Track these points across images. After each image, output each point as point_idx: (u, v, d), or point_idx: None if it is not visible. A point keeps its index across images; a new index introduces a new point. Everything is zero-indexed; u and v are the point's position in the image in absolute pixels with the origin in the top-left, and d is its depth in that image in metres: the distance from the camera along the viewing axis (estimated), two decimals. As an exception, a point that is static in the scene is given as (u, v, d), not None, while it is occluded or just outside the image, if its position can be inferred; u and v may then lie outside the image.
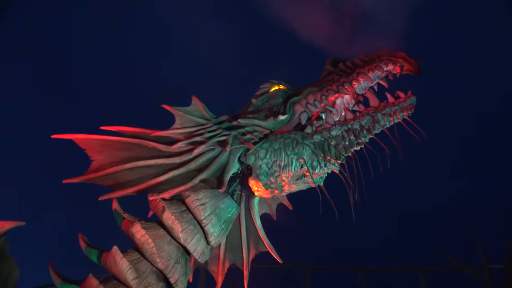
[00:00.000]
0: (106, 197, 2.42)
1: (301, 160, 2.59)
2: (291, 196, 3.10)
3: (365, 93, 2.85)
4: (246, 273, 3.04)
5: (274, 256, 3.01)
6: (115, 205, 2.72)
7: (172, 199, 2.71)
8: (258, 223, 3.00)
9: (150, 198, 2.54)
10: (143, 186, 2.48)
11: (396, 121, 2.72)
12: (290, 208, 3.14)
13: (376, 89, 2.92)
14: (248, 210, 3.03)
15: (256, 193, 2.84)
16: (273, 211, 3.15)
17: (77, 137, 2.64)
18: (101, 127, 2.72)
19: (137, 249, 2.55)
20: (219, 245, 2.98)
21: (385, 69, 2.82)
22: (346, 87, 2.78)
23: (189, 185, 2.50)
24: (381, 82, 2.90)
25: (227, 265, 3.08)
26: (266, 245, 3.00)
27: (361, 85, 2.84)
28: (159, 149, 2.69)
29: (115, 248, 2.42)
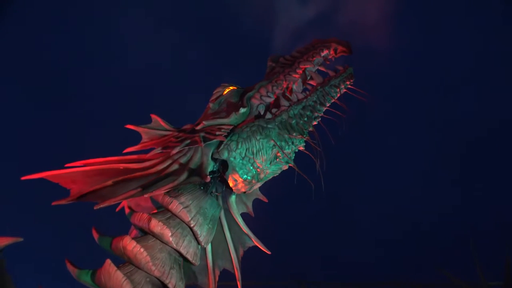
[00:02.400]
0: (101, 206, 2.41)
1: (271, 141, 2.78)
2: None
3: (310, 76, 3.15)
4: (238, 274, 3.07)
5: (262, 248, 3.08)
6: (97, 234, 2.74)
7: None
8: (239, 220, 3.09)
9: (146, 195, 2.57)
10: (132, 192, 2.51)
11: (342, 91, 3.03)
12: (266, 200, 3.26)
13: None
14: (227, 211, 3.12)
15: (234, 189, 2.93)
16: (250, 209, 3.25)
17: (47, 175, 2.66)
18: (66, 165, 2.76)
19: (131, 261, 2.55)
20: (206, 254, 3.02)
21: (322, 54, 3.17)
22: (291, 75, 3.09)
23: (176, 182, 2.58)
24: (320, 68, 3.24)
25: (217, 272, 3.10)
26: (253, 239, 3.07)
27: (305, 71, 3.15)
28: (131, 168, 2.76)
29: (108, 261, 2.41)
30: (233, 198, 3.08)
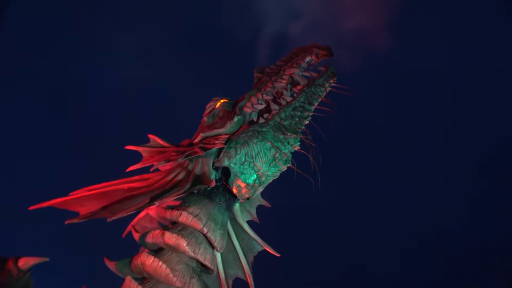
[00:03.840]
0: (114, 217, 2.44)
1: (268, 142, 2.88)
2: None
3: (296, 81, 3.29)
4: (250, 281, 3.10)
5: (271, 251, 3.12)
6: (111, 262, 2.80)
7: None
8: (246, 226, 3.14)
9: (156, 203, 2.61)
10: (141, 203, 2.55)
11: (327, 89, 3.18)
12: (269, 205, 3.32)
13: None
14: (233, 219, 3.17)
15: (238, 195, 2.99)
16: (255, 216, 3.31)
17: (54, 202, 2.70)
18: (71, 193, 2.81)
19: (151, 277, 2.59)
20: (217, 265, 3.05)
21: (305, 60, 3.32)
22: (279, 81, 3.22)
23: (181, 190, 2.65)
24: (305, 73, 3.39)
25: (230, 282, 3.13)
26: (261, 244, 3.12)
27: (291, 77, 3.29)
28: (136, 187, 2.81)
29: (128, 278, 2.46)
30: (237, 206, 3.14)
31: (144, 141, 3.19)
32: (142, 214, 3.20)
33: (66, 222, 2.43)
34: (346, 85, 3.21)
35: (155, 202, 2.56)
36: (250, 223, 3.25)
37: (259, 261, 3.20)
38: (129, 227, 3.19)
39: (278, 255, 3.13)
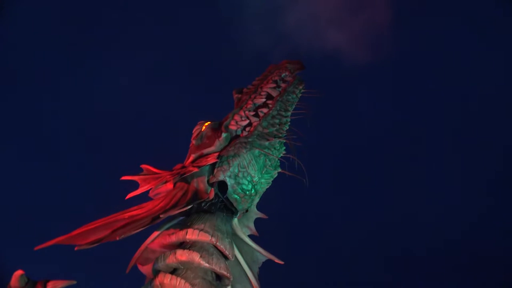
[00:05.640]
0: (123, 236, 2.49)
1: (256, 149, 3.05)
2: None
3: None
4: None
5: (275, 260, 3.21)
6: None
7: None
8: (247, 239, 3.23)
9: (162, 216, 2.67)
10: (145, 222, 2.61)
11: (299, 95, 3.56)
12: (266, 217, 3.43)
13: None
14: (234, 235, 3.25)
15: (237, 207, 3.10)
16: (254, 229, 3.40)
17: (59, 240, 2.72)
18: (76, 230, 2.86)
19: None
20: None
21: (281, 76, 3.60)
22: (258, 98, 3.46)
23: (181, 206, 2.73)
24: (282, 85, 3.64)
25: None
26: (264, 254, 3.21)
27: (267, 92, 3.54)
28: (136, 213, 2.89)
29: None
30: (235, 220, 3.23)
31: (136, 172, 3.31)
32: (142, 247, 3.26)
33: (76, 249, 2.48)
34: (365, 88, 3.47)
35: (160, 215, 2.63)
36: (250, 236, 3.34)
37: (265, 272, 3.27)
38: (132, 262, 3.23)
39: (282, 262, 3.22)
